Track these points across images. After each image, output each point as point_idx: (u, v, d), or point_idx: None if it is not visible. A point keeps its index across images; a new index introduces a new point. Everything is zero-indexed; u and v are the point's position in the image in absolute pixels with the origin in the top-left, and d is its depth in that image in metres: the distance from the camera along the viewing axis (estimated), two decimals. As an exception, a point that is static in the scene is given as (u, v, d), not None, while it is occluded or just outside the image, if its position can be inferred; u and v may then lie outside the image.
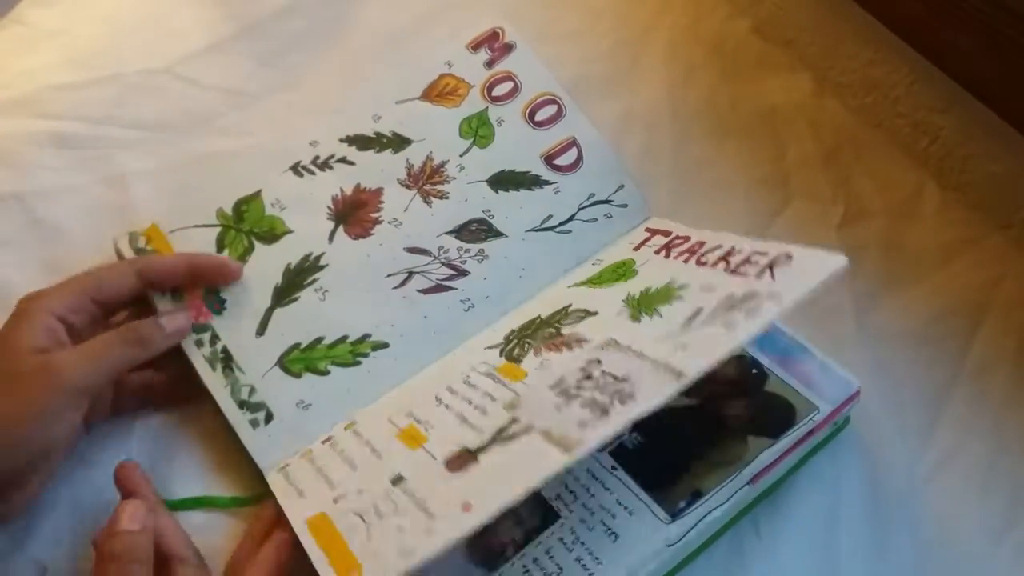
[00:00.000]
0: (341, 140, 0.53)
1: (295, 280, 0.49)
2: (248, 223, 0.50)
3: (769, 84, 0.59)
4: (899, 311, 0.50)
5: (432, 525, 0.36)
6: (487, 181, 0.53)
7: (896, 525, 0.44)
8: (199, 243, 0.49)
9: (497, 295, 0.50)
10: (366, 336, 0.49)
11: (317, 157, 0.53)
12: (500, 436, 0.38)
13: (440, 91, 0.55)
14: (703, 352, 0.36)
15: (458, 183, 0.53)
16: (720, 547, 0.44)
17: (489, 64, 0.55)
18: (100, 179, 0.55)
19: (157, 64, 0.59)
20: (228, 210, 0.51)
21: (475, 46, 0.56)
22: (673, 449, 0.43)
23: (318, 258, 0.50)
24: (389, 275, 0.50)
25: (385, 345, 0.49)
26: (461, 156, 0.53)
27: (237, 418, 0.46)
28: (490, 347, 0.47)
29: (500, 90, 0.55)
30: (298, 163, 0.52)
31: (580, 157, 0.53)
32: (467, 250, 0.51)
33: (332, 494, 0.42)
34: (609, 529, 0.41)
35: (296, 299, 0.49)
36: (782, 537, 0.44)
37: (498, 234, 0.52)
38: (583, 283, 0.49)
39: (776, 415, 0.43)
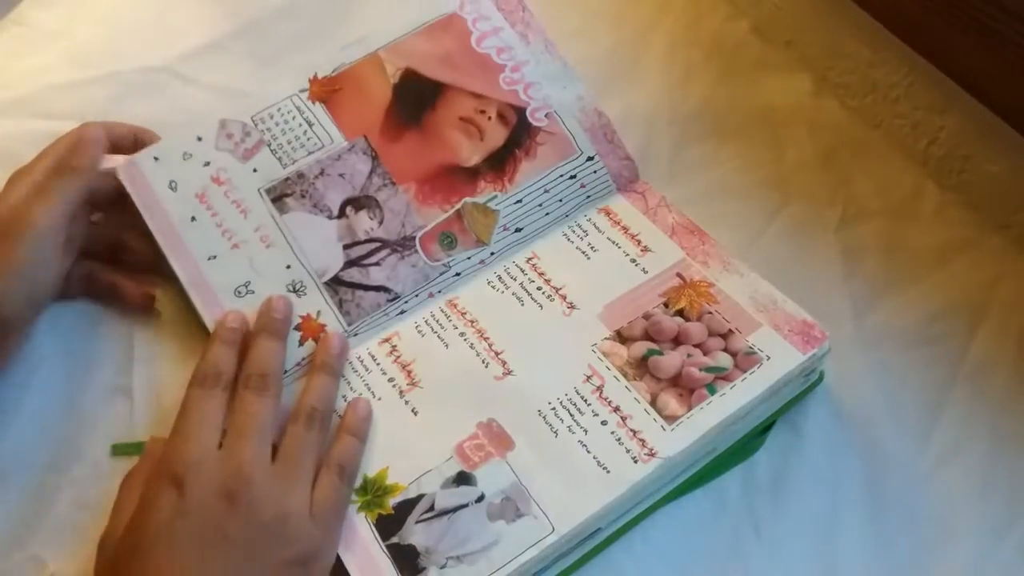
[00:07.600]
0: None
1: None
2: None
3: (768, 84, 0.59)
4: (898, 311, 0.51)
5: None
6: None
7: (896, 525, 0.44)
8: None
9: None
10: None
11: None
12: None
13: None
14: None
15: None
16: (720, 547, 0.44)
17: None
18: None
19: (156, 63, 0.59)
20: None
21: None
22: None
23: None
24: None
25: None
26: None
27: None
28: None
29: None
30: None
31: None
32: None
33: None
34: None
35: None
36: (782, 537, 0.44)
37: None
38: None
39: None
